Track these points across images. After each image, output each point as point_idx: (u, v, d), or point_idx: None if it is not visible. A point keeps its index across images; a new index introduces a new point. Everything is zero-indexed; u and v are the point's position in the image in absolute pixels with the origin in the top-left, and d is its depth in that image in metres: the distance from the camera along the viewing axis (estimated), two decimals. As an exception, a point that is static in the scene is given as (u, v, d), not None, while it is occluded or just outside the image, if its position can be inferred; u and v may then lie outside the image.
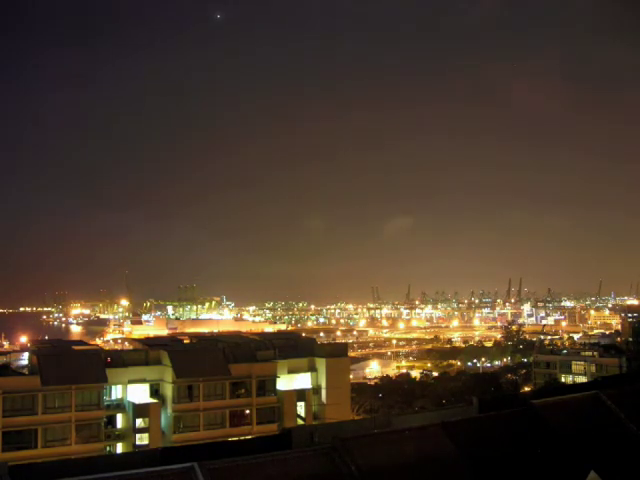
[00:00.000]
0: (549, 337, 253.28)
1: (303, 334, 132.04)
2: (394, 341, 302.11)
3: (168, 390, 63.82)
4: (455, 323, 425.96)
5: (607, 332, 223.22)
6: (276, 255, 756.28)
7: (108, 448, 60.84)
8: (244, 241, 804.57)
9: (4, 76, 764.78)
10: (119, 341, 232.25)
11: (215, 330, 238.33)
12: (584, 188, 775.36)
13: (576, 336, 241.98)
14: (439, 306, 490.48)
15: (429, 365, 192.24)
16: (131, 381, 64.10)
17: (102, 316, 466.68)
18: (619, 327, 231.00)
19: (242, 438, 52.57)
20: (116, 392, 63.43)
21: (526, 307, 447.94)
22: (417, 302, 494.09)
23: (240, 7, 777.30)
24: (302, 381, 71.65)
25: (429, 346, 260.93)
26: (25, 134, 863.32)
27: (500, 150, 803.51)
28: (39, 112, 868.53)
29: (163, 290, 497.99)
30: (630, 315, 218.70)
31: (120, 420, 62.73)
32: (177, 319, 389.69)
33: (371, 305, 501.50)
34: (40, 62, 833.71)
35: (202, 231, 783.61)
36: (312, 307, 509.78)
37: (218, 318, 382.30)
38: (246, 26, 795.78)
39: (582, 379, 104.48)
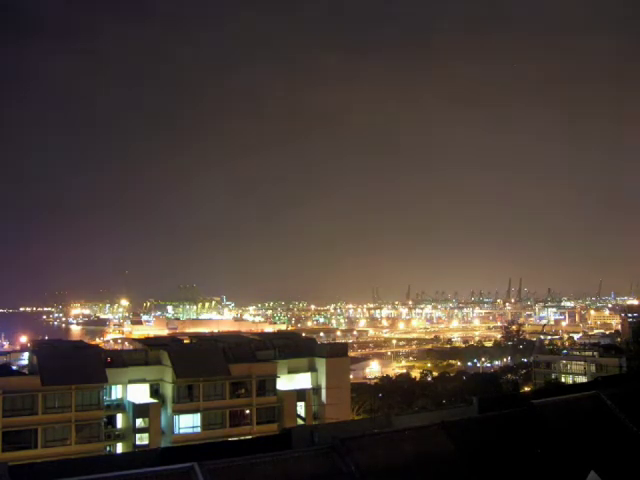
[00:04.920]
0: (549, 337, 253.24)
1: (303, 334, 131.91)
2: (394, 341, 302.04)
3: (168, 390, 63.77)
4: (455, 323, 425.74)
5: (607, 332, 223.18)
6: (276, 255, 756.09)
7: (108, 448, 60.78)
8: (244, 241, 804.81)
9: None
10: (119, 341, 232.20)
11: (215, 330, 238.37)
12: (584, 188, 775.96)
13: (576, 336, 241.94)
14: (439, 306, 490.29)
15: (429, 365, 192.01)
16: (131, 381, 64.04)
17: (102, 316, 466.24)
18: (619, 327, 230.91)
19: (242, 438, 52.62)
20: (116, 392, 63.35)
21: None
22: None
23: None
24: (302, 381, 71.59)
25: (429, 346, 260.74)
26: (24, 132, 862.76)
27: (500, 151, 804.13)
28: (38, 108, 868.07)
29: (163, 290, 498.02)
30: (630, 315, 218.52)
31: (120, 420, 62.66)
32: (177, 319, 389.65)
33: (371, 305, 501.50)
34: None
35: (203, 231, 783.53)
36: (312, 307, 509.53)
37: (218, 318, 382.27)
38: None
39: (582, 379, 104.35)
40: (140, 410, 61.87)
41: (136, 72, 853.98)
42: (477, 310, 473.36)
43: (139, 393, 64.20)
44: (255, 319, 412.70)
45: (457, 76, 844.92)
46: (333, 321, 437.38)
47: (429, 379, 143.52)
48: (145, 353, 68.68)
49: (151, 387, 65.18)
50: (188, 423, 62.82)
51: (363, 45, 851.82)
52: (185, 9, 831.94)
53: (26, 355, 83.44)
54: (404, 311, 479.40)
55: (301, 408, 68.75)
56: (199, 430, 62.64)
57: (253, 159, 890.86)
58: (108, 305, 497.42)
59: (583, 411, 21.19)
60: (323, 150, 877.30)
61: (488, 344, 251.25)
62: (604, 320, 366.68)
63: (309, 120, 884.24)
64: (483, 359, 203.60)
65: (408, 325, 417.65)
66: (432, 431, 18.55)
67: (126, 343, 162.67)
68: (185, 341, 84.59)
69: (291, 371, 70.67)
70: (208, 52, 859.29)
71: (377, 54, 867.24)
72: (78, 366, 61.35)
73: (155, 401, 63.49)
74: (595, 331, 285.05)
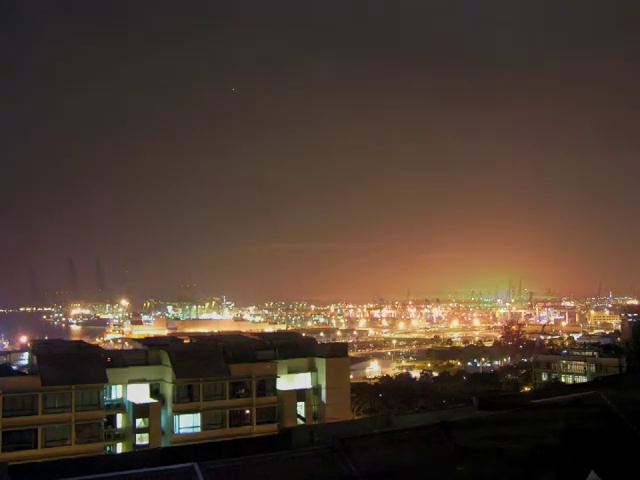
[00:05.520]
0: (549, 337, 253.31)
1: (303, 334, 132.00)
2: (394, 341, 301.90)
3: (168, 390, 63.79)
4: (455, 323, 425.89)
5: (607, 332, 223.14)
6: (277, 254, 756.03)
7: (108, 448, 60.81)
8: (244, 241, 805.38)
9: None
10: (119, 341, 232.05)
11: (215, 330, 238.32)
12: (583, 187, 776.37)
13: (576, 336, 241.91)
14: (439, 306, 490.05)
15: (429, 365, 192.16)
16: (131, 381, 64.05)
17: (102, 316, 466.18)
18: (619, 327, 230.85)
19: (242, 438, 52.64)
20: (116, 392, 63.36)
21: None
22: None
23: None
24: (302, 381, 71.61)
25: (429, 346, 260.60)
26: (23, 132, 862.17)
27: (499, 150, 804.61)
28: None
29: (163, 290, 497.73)
30: (630, 315, 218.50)
31: (120, 420, 62.69)
32: (177, 319, 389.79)
33: (371, 305, 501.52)
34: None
35: (202, 230, 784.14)
36: (312, 307, 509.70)
37: (218, 318, 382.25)
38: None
39: (582, 379, 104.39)
40: (140, 410, 61.88)
41: (137, 71, 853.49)
42: (477, 310, 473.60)
43: (139, 393, 64.21)
44: (255, 319, 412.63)
45: (456, 79, 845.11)
46: (333, 321, 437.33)
47: (429, 379, 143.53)
48: (145, 353, 68.70)
49: (151, 387, 65.20)
50: (188, 423, 62.85)
51: (362, 45, 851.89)
52: (185, 9, 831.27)
53: (26, 355, 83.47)
54: (404, 311, 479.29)
55: (301, 408, 68.77)
56: (199, 430, 62.67)
57: (253, 157, 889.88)
58: (108, 305, 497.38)
59: (583, 411, 21.20)
60: (321, 149, 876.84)
61: (488, 344, 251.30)
62: (604, 320, 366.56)
63: (308, 118, 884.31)
64: (483, 359, 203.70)
65: (408, 325, 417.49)
66: (432, 431, 18.56)
67: (126, 343, 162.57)
68: (185, 341, 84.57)
69: (291, 371, 70.70)
70: (208, 52, 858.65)
71: (376, 54, 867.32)
72: (78, 366, 61.40)
73: (155, 401, 63.51)
74: (595, 331, 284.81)
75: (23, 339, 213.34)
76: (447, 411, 27.82)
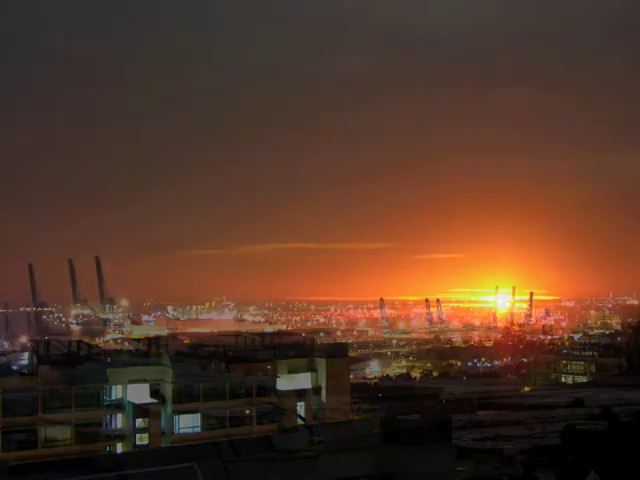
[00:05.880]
0: (549, 337, 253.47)
1: (303, 334, 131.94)
2: (394, 341, 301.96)
3: (168, 390, 63.81)
4: (455, 323, 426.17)
5: (607, 332, 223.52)
6: (276, 254, 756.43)
7: (108, 448, 60.83)
8: (244, 241, 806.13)
9: None
10: (119, 341, 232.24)
11: (215, 330, 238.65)
12: (583, 187, 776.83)
13: (576, 336, 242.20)
14: (439, 306, 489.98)
15: (429, 365, 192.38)
16: (131, 381, 64.07)
17: (102, 316, 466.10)
18: (619, 327, 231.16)
19: (241, 438, 52.67)
20: (116, 392, 63.34)
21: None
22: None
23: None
24: (302, 381, 71.66)
25: (429, 346, 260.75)
26: (25, 132, 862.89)
27: (499, 149, 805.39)
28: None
29: (163, 290, 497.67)
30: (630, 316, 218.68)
31: (120, 420, 62.67)
32: (177, 319, 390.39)
33: (371, 305, 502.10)
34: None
35: (202, 230, 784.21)
36: (312, 307, 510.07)
37: (218, 318, 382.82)
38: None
39: (582, 379, 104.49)
40: (140, 410, 61.92)
41: (137, 70, 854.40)
42: (476, 310, 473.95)
43: (139, 393, 64.22)
44: (255, 319, 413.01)
45: (457, 76, 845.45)
46: (333, 321, 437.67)
47: (429, 379, 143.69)
48: (145, 353, 68.85)
49: (151, 387, 65.19)
50: (188, 423, 62.88)
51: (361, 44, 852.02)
52: (184, 10, 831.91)
53: (26, 355, 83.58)
54: (404, 311, 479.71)
55: (301, 408, 68.83)
56: (199, 430, 62.72)
57: (252, 159, 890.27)
58: (108, 305, 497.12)
59: (583, 411, 21.25)
60: (320, 149, 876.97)
61: (488, 344, 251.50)
62: (604, 320, 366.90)
63: (308, 119, 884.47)
64: (483, 359, 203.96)
65: (408, 325, 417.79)
66: (432, 431, 18.60)
67: (126, 343, 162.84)
68: (185, 341, 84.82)
69: (291, 371, 70.74)
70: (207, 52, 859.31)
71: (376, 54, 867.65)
72: (78, 366, 61.65)
73: (155, 401, 63.54)
74: (595, 331, 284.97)
75: (23, 339, 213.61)
76: (447, 411, 27.86)
